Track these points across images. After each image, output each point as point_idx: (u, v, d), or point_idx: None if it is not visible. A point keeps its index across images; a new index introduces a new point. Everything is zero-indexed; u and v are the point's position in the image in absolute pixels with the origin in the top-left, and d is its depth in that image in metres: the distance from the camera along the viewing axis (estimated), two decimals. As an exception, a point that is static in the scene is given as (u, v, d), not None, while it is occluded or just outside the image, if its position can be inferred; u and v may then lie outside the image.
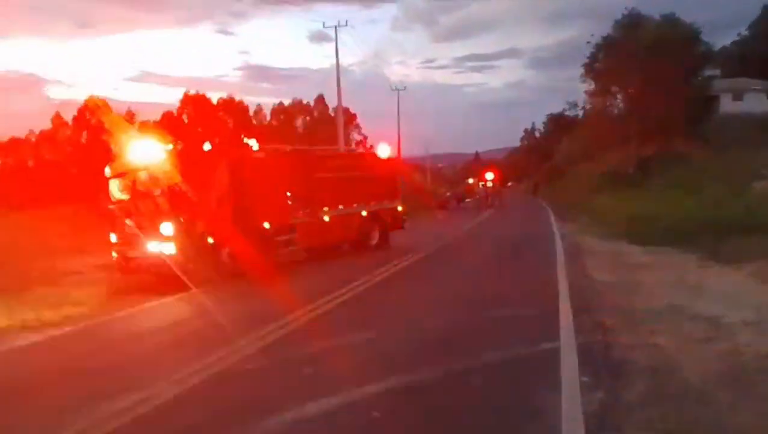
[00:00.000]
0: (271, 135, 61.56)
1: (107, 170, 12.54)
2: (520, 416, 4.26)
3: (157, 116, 68.46)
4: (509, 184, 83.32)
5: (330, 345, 6.37)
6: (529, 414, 4.24)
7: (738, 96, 47.77)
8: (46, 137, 57.13)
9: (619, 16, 36.83)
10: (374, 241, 15.75)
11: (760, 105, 43.86)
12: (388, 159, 16.95)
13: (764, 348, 5.44)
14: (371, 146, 76.94)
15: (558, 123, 57.11)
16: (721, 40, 57.94)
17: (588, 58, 32.71)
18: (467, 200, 41.44)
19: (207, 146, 12.87)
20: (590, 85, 33.19)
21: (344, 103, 77.72)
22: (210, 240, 11.67)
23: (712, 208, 15.59)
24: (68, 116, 61.82)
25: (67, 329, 8.24)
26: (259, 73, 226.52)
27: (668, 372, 5.04)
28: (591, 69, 32.55)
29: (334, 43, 33.67)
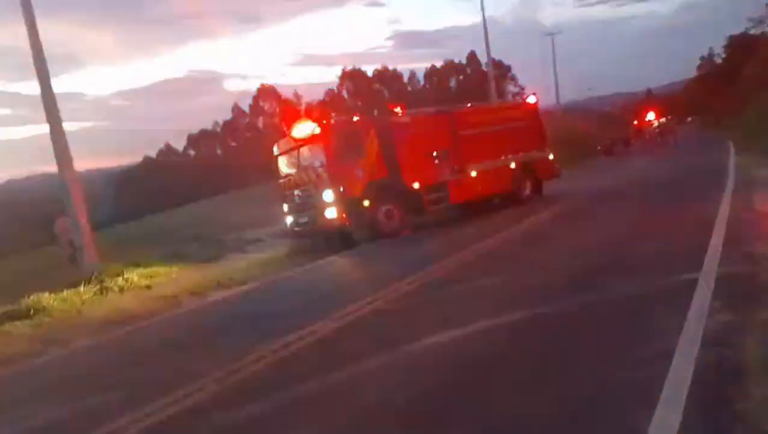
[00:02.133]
0: (426, 98, 62.56)
1: (275, 149, 14.14)
2: (644, 330, 4.46)
3: (320, 95, 72.83)
4: (689, 119, 75.49)
5: (466, 288, 6.93)
6: (654, 331, 4.40)
7: None
8: (228, 126, 63.82)
9: None
10: (526, 192, 15.74)
11: None
12: (534, 108, 16.66)
13: None
14: (519, 97, 74.85)
15: (741, 45, 50.16)
16: None
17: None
18: (635, 141, 38.66)
19: (356, 117, 13.92)
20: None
21: (497, 56, 75.97)
22: (366, 203, 12.69)
23: None
24: (245, 105, 68.40)
25: (251, 285, 9.75)
26: (411, 39, 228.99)
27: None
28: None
29: None
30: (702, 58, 68.89)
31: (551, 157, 16.63)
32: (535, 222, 11.67)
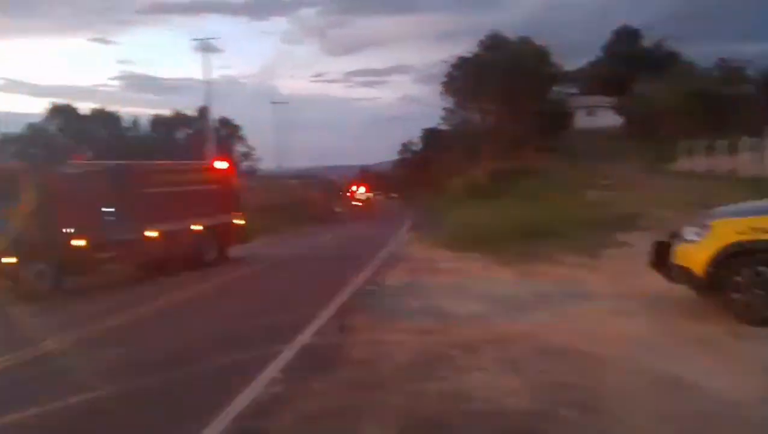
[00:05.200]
0: (148, 147, 59.25)
1: None
2: (203, 402, 4.62)
3: (20, 127, 63.84)
4: (393, 195, 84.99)
5: (86, 358, 6.51)
6: (210, 403, 4.59)
7: (591, 112, 52.53)
8: None
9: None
10: (210, 256, 15.64)
11: (610, 120, 48.35)
12: (226, 173, 16.97)
13: (462, 338, 6.18)
14: (246, 158, 76.10)
15: (431, 137, 59.48)
16: (583, 60, 63.00)
17: (446, 76, 34.64)
18: (341, 211, 42.19)
19: (12, 162, 12.41)
20: (448, 102, 35.17)
21: (230, 116, 76.48)
22: (12, 260, 11.22)
23: (538, 216, 17.09)
24: None
25: None
26: (142, 83, 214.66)
27: (372, 362, 5.60)
28: (449, 87, 34.45)
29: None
30: (402, 144, 79.41)
31: (241, 222, 16.99)
32: (200, 289, 11.63)
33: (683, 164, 26.23)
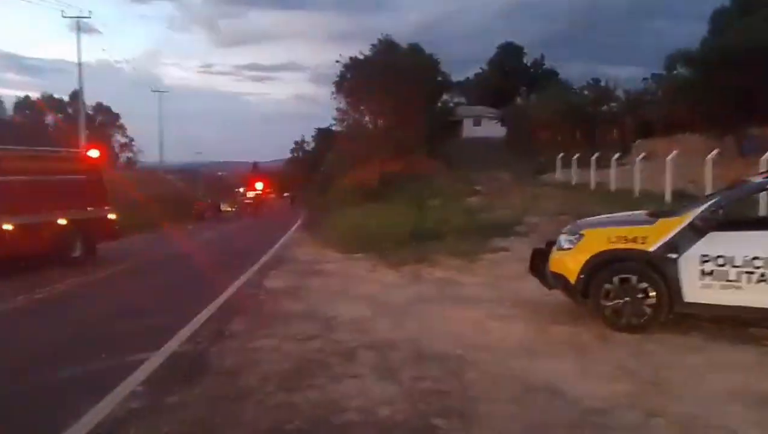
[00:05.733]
0: (12, 132, 53.88)
1: None
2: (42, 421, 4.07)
3: None
4: (286, 194, 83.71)
5: None
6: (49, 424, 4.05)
7: (477, 122, 54.90)
8: None
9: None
10: (76, 253, 14.30)
11: (494, 130, 50.69)
12: (96, 163, 15.61)
13: (341, 344, 5.99)
14: (128, 148, 71.97)
15: (325, 137, 59.03)
16: (470, 72, 65.78)
17: (338, 77, 34.48)
18: (228, 209, 40.72)
19: None
20: (340, 103, 35.08)
21: (108, 103, 71.68)
22: None
23: (423, 219, 17.36)
24: None
25: None
26: (5, 61, 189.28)
27: (243, 371, 5.24)
28: (340, 87, 34.35)
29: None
30: (296, 142, 78.31)
31: (112, 217, 15.72)
32: (60, 289, 10.53)
33: (558, 175, 27.88)
